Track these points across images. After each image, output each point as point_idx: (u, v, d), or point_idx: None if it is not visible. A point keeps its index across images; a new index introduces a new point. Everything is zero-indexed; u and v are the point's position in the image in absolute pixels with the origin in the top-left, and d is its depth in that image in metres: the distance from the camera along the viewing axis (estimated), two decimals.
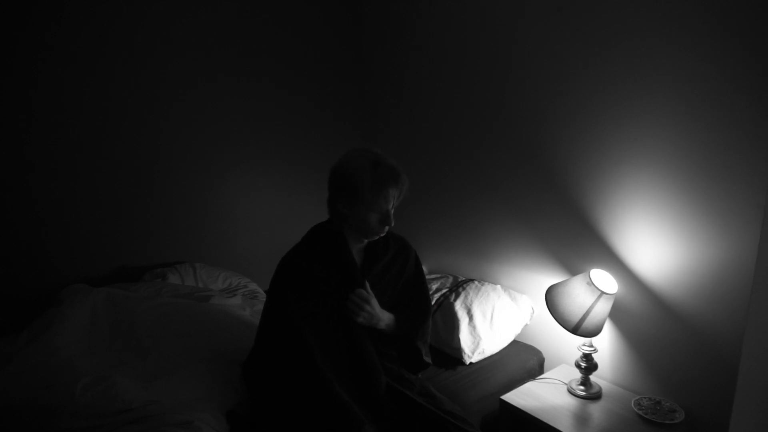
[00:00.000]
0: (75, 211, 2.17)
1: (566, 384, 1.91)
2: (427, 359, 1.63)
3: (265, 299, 2.23)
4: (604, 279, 1.80)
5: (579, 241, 2.00)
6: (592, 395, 1.84)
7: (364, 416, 1.38)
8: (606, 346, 1.96)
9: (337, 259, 1.50)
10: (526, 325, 2.19)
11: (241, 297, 2.18)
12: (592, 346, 1.85)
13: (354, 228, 1.49)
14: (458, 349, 2.00)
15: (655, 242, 1.78)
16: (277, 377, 1.45)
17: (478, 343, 2.01)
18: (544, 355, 2.17)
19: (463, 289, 2.20)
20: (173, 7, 2.29)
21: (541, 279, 2.17)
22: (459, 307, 2.09)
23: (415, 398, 1.52)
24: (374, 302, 1.49)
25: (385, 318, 1.53)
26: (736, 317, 1.60)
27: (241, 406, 1.55)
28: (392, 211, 1.48)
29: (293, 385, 1.41)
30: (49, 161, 2.09)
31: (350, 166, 1.43)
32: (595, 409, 1.79)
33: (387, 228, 1.49)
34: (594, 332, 1.76)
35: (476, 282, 2.25)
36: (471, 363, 2.02)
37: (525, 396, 1.85)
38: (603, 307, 1.75)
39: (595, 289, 1.74)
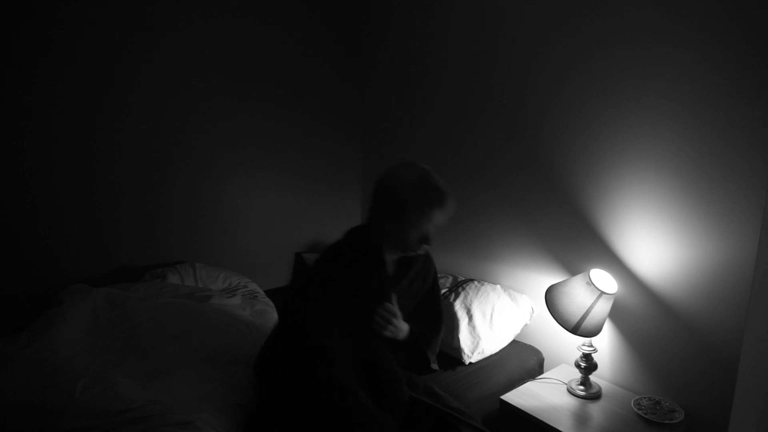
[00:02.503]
0: (75, 211, 2.17)
1: (566, 384, 1.91)
2: (434, 366, 1.64)
3: (263, 297, 2.24)
4: (604, 279, 1.81)
5: (579, 241, 2.00)
6: (592, 395, 1.84)
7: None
8: (606, 346, 1.96)
9: (372, 270, 1.48)
10: (526, 325, 2.19)
11: (241, 297, 2.18)
12: (591, 346, 1.85)
13: (392, 241, 1.47)
14: (458, 349, 2.00)
15: (655, 242, 1.78)
16: (293, 379, 1.42)
17: (477, 343, 2.01)
18: (544, 355, 2.17)
19: (463, 289, 2.20)
20: (173, 7, 2.29)
21: (541, 279, 2.17)
22: (458, 307, 2.09)
23: (420, 398, 1.53)
24: (399, 316, 1.50)
25: (404, 329, 1.53)
26: (736, 317, 1.61)
27: (242, 406, 1.55)
28: (434, 233, 1.46)
29: (310, 389, 1.38)
30: (49, 161, 2.09)
31: (399, 183, 1.41)
32: (595, 409, 1.79)
33: (425, 248, 1.48)
34: (594, 332, 1.76)
35: (476, 282, 2.25)
36: (470, 363, 2.02)
37: (525, 396, 1.85)
38: (603, 307, 1.75)
39: (594, 289, 1.74)
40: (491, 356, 2.07)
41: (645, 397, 1.80)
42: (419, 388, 1.58)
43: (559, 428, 1.66)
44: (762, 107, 1.49)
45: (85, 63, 2.11)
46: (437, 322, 1.67)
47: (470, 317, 2.05)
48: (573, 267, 2.04)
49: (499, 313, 2.09)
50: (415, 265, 1.61)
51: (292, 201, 2.81)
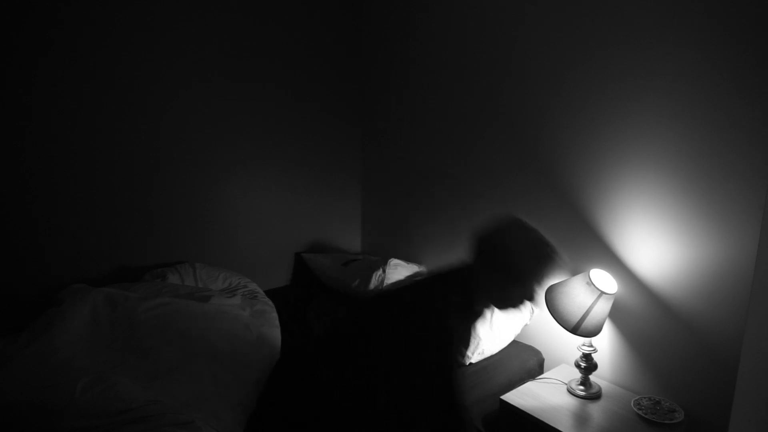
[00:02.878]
0: (75, 211, 2.17)
1: (566, 384, 1.91)
2: None
3: (263, 297, 2.24)
4: (604, 279, 1.81)
5: (579, 241, 2.00)
6: (592, 395, 1.84)
7: None
8: (606, 346, 1.96)
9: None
10: (526, 325, 2.19)
11: (241, 297, 2.18)
12: (591, 346, 1.85)
13: (492, 297, 1.44)
14: None
15: (655, 242, 1.78)
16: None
17: (477, 344, 2.01)
18: (544, 355, 2.17)
19: None
20: (173, 7, 2.29)
21: None
22: None
23: None
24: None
25: None
26: (736, 317, 1.61)
27: (242, 405, 1.55)
28: (539, 291, 1.44)
29: None
30: (49, 161, 2.08)
31: (515, 243, 1.38)
32: (595, 409, 1.79)
33: (526, 305, 1.46)
34: (594, 332, 1.76)
35: None
36: (471, 363, 2.01)
37: (525, 396, 1.85)
38: (603, 307, 1.75)
39: (594, 289, 1.74)
40: (491, 357, 2.07)
41: (645, 397, 1.80)
42: None
43: (559, 428, 1.66)
44: (762, 107, 1.49)
45: (85, 63, 2.11)
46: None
47: None
48: (573, 267, 2.04)
49: (499, 312, 2.08)
50: None
51: (292, 201, 2.81)
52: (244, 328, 1.85)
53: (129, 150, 2.27)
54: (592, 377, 1.91)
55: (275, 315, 2.09)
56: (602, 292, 1.74)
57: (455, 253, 2.56)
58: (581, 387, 1.86)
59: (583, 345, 1.85)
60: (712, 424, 1.70)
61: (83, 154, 2.16)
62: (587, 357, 1.85)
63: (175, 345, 1.72)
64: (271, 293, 2.41)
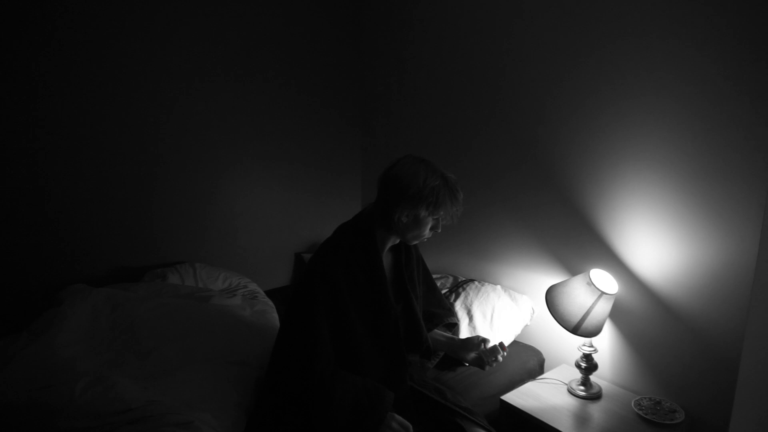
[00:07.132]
0: (75, 211, 2.17)
1: (566, 384, 1.91)
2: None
3: (263, 298, 2.24)
4: (604, 279, 1.80)
5: (579, 241, 2.00)
6: (592, 395, 1.84)
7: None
8: (606, 346, 1.95)
9: (369, 263, 1.53)
10: (527, 325, 2.18)
11: (241, 297, 2.18)
12: (592, 346, 1.85)
13: (404, 231, 1.51)
14: None
15: (655, 242, 1.78)
16: (285, 380, 1.43)
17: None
18: (545, 355, 2.17)
19: (463, 289, 2.19)
20: (175, 6, 2.29)
21: (541, 279, 2.17)
22: (459, 308, 2.09)
23: (432, 395, 1.57)
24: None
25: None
26: (736, 317, 1.60)
27: (242, 406, 1.54)
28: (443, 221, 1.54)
29: (295, 390, 1.40)
30: (49, 162, 2.09)
31: (418, 174, 1.48)
32: (595, 409, 1.79)
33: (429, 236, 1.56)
34: (594, 332, 1.76)
35: (476, 282, 2.25)
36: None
37: (525, 396, 1.84)
38: (603, 307, 1.75)
39: (595, 289, 1.74)
40: None
41: (645, 398, 1.80)
42: (429, 387, 1.61)
43: (560, 428, 1.66)
44: (763, 106, 1.49)
45: (86, 63, 2.11)
46: (446, 301, 1.82)
47: (471, 318, 2.05)
48: (573, 267, 2.04)
49: (499, 313, 2.09)
50: (411, 250, 1.68)
51: (292, 201, 2.81)
52: (245, 329, 1.85)
53: (129, 150, 2.27)
54: (593, 377, 1.90)
55: (276, 315, 2.09)
56: (602, 293, 1.74)
57: (455, 252, 2.56)
58: (582, 387, 1.86)
59: (584, 345, 1.85)
60: (713, 425, 1.69)
61: (84, 154, 2.16)
62: (587, 357, 1.85)
63: (176, 345, 1.72)
64: (271, 293, 2.41)
